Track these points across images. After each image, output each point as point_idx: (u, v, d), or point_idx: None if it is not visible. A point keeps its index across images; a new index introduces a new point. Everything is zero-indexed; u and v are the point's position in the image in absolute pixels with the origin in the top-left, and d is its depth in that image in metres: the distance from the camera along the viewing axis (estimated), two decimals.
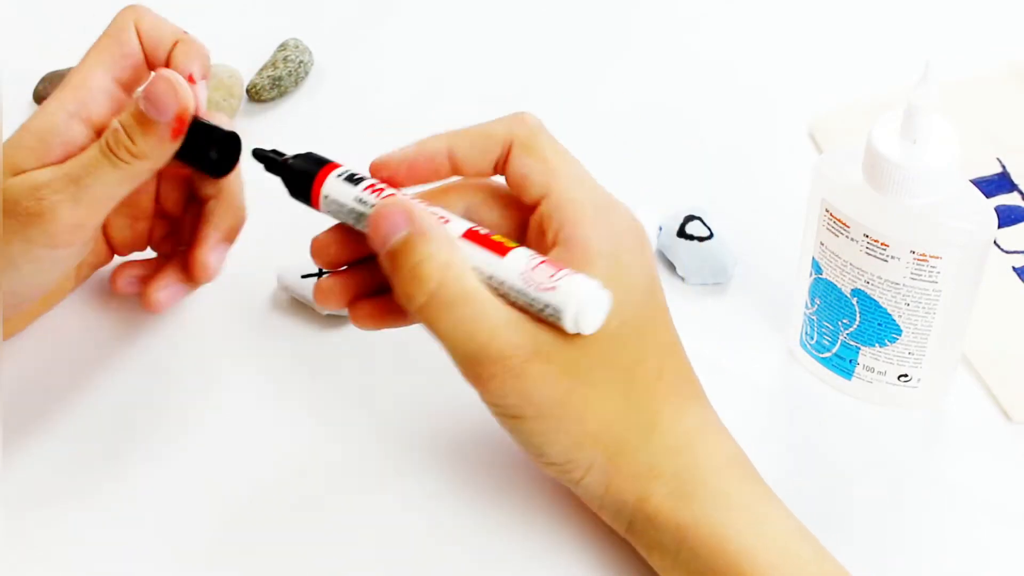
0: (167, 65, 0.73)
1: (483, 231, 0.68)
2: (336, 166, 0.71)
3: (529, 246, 0.67)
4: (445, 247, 0.65)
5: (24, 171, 0.70)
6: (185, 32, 0.74)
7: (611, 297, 0.65)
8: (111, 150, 0.70)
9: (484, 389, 0.66)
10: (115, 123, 0.70)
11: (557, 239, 0.67)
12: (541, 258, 0.66)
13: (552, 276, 0.65)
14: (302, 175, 0.71)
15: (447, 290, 0.65)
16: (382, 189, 0.69)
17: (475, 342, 0.65)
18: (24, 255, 0.71)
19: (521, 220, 0.70)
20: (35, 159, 0.70)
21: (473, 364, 0.65)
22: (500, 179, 0.70)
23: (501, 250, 0.66)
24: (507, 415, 0.67)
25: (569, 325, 0.65)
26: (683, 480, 0.67)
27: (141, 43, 0.73)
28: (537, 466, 0.70)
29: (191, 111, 0.71)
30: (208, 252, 0.75)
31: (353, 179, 0.70)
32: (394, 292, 0.66)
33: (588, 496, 0.70)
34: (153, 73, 0.72)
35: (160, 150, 0.70)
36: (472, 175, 0.70)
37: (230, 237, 0.76)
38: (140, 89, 0.71)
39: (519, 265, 0.66)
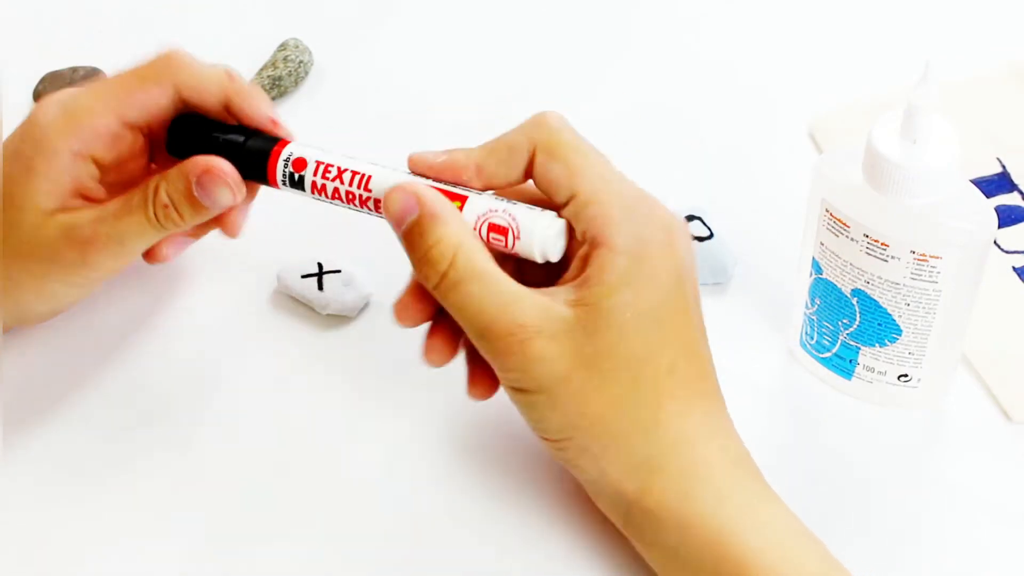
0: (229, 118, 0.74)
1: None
2: (275, 161, 0.72)
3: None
4: (455, 227, 0.68)
5: (44, 210, 0.72)
6: (228, 73, 0.74)
7: (564, 222, 0.68)
8: (159, 221, 0.72)
9: (496, 363, 0.68)
10: (164, 198, 0.72)
11: (584, 238, 0.68)
12: (487, 219, 0.69)
13: (507, 244, 0.69)
14: (253, 163, 0.73)
15: (457, 269, 0.67)
16: (324, 188, 0.72)
17: (485, 317, 0.67)
18: (62, 290, 0.76)
19: None
20: (52, 200, 0.72)
21: (484, 338, 0.67)
22: None
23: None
24: (513, 388, 0.68)
25: (541, 262, 0.69)
26: (687, 476, 0.67)
27: (183, 98, 0.73)
28: (537, 438, 0.70)
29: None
30: (165, 242, 0.76)
31: (294, 181, 0.72)
32: (414, 271, 0.69)
33: (584, 480, 0.70)
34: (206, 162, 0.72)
35: (204, 219, 0.73)
36: (503, 186, 0.71)
37: (197, 233, 0.77)
38: (194, 181, 0.72)
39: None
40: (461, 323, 0.68)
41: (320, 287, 0.81)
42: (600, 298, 0.67)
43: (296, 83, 0.92)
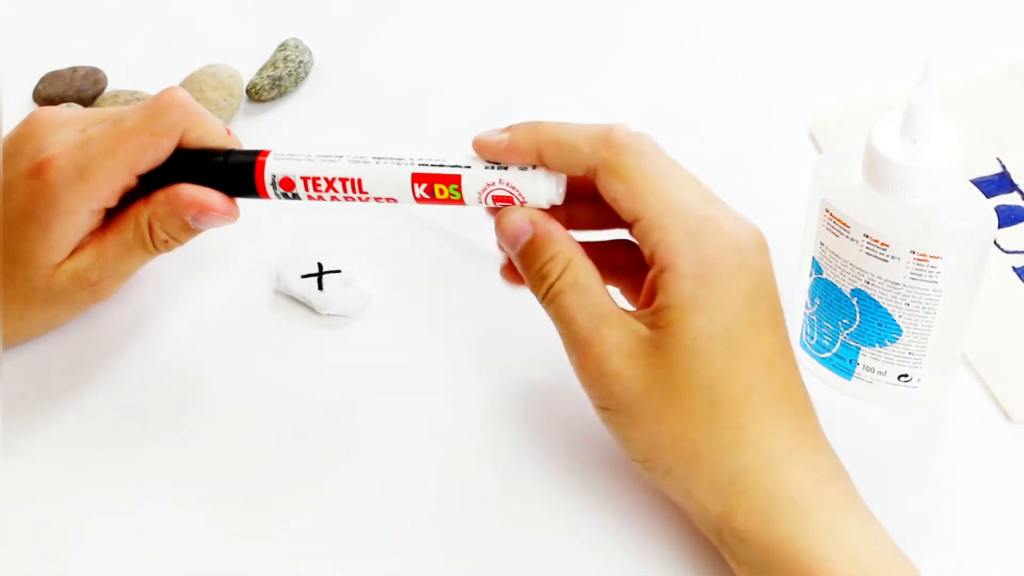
0: None
1: (425, 191, 0.71)
2: (261, 173, 0.73)
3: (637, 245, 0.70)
4: (567, 244, 0.70)
5: (55, 263, 0.74)
6: (230, 135, 0.75)
7: (560, 176, 0.70)
8: (159, 250, 0.75)
9: (579, 375, 0.70)
10: (162, 235, 0.74)
11: (652, 262, 0.69)
12: (489, 193, 0.70)
13: (513, 200, 0.71)
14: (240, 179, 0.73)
15: (562, 281, 0.69)
16: (320, 199, 0.72)
17: (574, 327, 0.69)
18: (72, 316, 0.79)
19: None
20: (63, 253, 0.75)
21: (570, 348, 0.70)
22: None
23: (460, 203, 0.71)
24: (597, 405, 0.70)
25: (545, 206, 0.71)
26: (771, 498, 0.67)
27: (183, 143, 0.74)
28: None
29: None
30: None
31: (288, 198, 0.72)
32: (529, 283, 0.71)
33: (675, 499, 0.71)
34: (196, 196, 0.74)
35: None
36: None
37: None
38: (190, 219, 0.73)
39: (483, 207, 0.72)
40: (559, 332, 0.70)
41: (320, 287, 0.81)
42: (670, 322, 0.67)
43: (296, 83, 0.92)
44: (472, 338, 0.80)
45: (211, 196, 0.73)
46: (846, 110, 0.90)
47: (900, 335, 0.73)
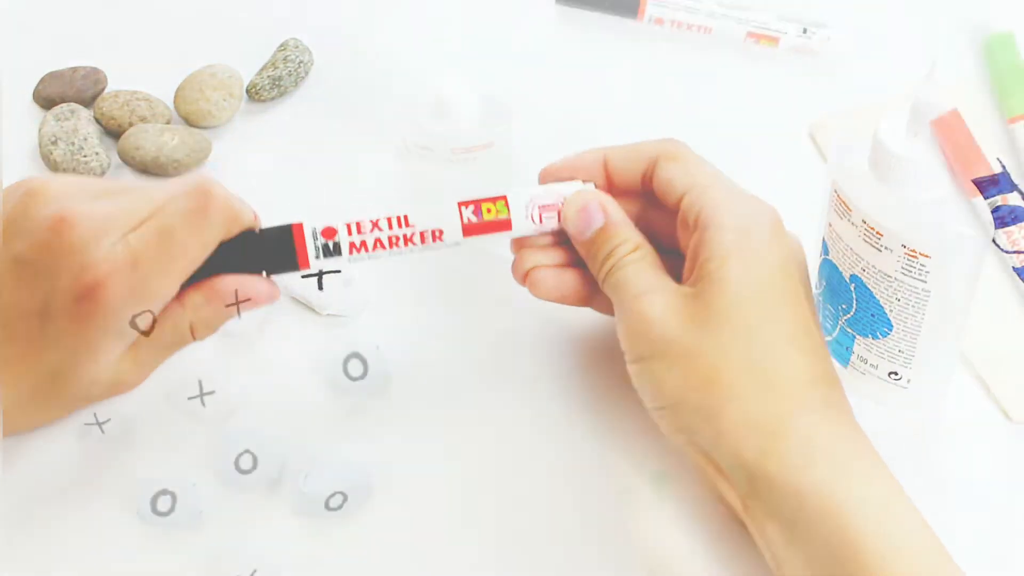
0: None
1: (473, 212, 0.74)
2: (302, 241, 0.74)
3: (679, 236, 0.75)
4: (634, 233, 0.74)
5: (97, 380, 0.73)
6: (256, 218, 0.75)
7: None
8: (195, 337, 0.74)
9: (622, 329, 0.72)
10: (205, 331, 0.74)
11: (696, 223, 0.72)
12: (535, 203, 0.75)
13: (560, 220, 0.75)
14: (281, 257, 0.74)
15: (628, 259, 0.74)
16: (363, 245, 0.74)
17: (627, 287, 0.73)
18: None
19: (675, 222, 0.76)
20: (108, 369, 0.73)
21: (620, 307, 0.73)
22: None
23: (506, 225, 0.75)
24: (633, 359, 0.72)
25: None
26: (808, 443, 0.68)
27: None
28: (653, 418, 0.72)
29: None
30: None
31: (329, 250, 0.74)
32: (590, 268, 0.75)
33: (701, 450, 0.70)
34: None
35: None
36: (621, 186, 0.77)
37: None
38: (237, 312, 0.74)
39: (529, 227, 0.75)
40: (614, 301, 0.73)
41: (320, 287, 0.81)
42: (712, 271, 0.70)
43: (296, 83, 0.92)
44: (472, 338, 0.80)
45: (256, 286, 0.73)
46: (846, 111, 0.90)
47: (891, 330, 0.73)
